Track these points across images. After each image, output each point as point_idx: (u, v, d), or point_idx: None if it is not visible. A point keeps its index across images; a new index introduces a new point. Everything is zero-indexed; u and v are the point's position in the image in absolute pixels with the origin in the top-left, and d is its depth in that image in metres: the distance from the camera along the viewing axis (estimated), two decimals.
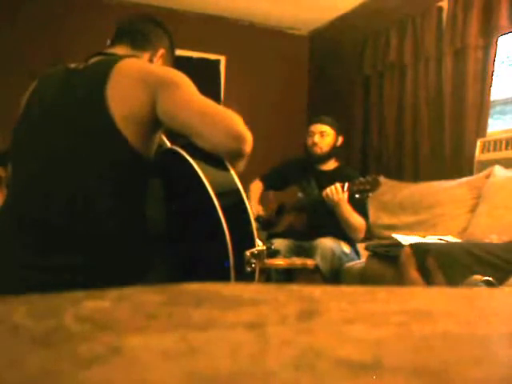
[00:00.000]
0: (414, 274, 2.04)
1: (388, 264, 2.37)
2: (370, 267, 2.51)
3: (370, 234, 3.18)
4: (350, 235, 2.77)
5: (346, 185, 2.56)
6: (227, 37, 4.36)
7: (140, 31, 1.45)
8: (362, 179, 2.56)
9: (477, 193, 2.81)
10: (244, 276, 1.12)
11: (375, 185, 2.51)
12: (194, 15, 4.26)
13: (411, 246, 2.11)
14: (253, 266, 1.12)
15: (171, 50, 1.51)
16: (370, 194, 2.60)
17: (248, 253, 1.12)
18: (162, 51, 1.46)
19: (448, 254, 1.85)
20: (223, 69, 4.41)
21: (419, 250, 2.05)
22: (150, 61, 1.44)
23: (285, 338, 0.28)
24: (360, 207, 2.72)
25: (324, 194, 2.61)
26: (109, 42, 1.46)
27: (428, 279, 1.94)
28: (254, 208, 3.00)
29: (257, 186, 3.10)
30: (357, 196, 2.56)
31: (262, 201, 3.07)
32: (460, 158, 3.19)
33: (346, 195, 2.58)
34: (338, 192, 2.56)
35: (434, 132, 3.43)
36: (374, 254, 2.52)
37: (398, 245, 2.38)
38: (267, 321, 0.30)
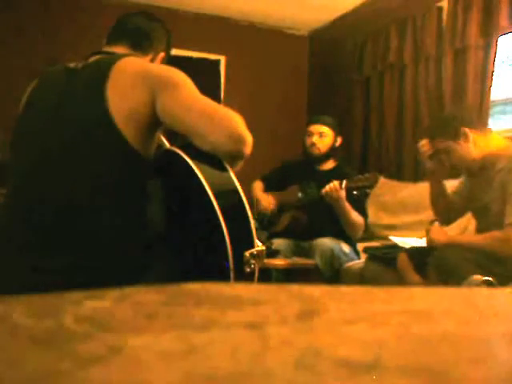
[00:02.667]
0: (413, 277, 2.06)
1: (386, 266, 2.38)
2: (368, 270, 2.52)
3: (369, 234, 3.18)
4: (348, 233, 2.77)
5: (344, 182, 2.56)
6: (227, 37, 4.36)
7: (141, 31, 1.42)
8: (359, 176, 2.56)
9: None
10: (243, 276, 1.12)
11: (373, 181, 2.51)
12: (194, 15, 4.26)
13: (408, 251, 2.16)
14: (252, 266, 1.12)
15: (168, 50, 1.49)
16: (369, 191, 2.61)
17: (247, 253, 1.12)
18: (162, 55, 1.45)
19: (449, 265, 1.86)
20: (223, 69, 4.41)
21: (418, 256, 2.09)
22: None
23: (285, 338, 0.28)
24: (358, 205, 2.72)
25: (323, 191, 2.61)
26: (105, 40, 1.44)
27: (428, 283, 1.96)
28: (263, 201, 3.00)
29: (258, 186, 3.10)
30: (355, 193, 2.56)
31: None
32: None
33: (344, 193, 2.58)
34: (336, 189, 2.56)
35: None
36: (372, 256, 2.53)
37: (396, 247, 2.40)
38: (267, 321, 0.30)
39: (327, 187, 2.59)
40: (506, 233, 1.88)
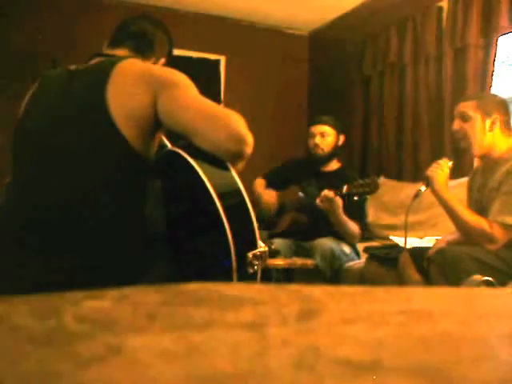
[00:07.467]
0: (414, 276, 2.06)
1: (387, 266, 2.38)
2: (368, 270, 2.51)
3: (369, 234, 3.18)
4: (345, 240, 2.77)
5: (345, 187, 2.55)
6: (227, 37, 4.36)
7: (145, 36, 1.42)
8: (360, 181, 2.54)
9: None
10: (246, 277, 1.12)
11: (373, 187, 2.49)
12: (194, 15, 4.26)
13: (410, 251, 2.14)
14: (255, 267, 1.12)
15: (169, 56, 1.50)
16: (368, 196, 2.60)
17: (250, 254, 1.12)
18: (162, 61, 1.45)
19: (451, 262, 1.85)
20: (223, 69, 4.41)
21: (419, 256, 2.08)
22: None
23: (285, 338, 0.28)
24: (358, 209, 2.72)
25: (318, 200, 2.59)
26: (107, 42, 1.44)
27: (430, 282, 1.96)
28: (265, 196, 2.99)
29: (260, 182, 3.10)
30: (355, 198, 2.55)
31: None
32: (460, 158, 3.19)
33: (340, 201, 2.56)
34: (328, 199, 2.54)
35: (434, 132, 3.42)
36: (373, 256, 2.53)
37: (396, 247, 2.39)
38: (267, 321, 0.30)
39: (322, 194, 2.56)
40: (494, 229, 1.89)
